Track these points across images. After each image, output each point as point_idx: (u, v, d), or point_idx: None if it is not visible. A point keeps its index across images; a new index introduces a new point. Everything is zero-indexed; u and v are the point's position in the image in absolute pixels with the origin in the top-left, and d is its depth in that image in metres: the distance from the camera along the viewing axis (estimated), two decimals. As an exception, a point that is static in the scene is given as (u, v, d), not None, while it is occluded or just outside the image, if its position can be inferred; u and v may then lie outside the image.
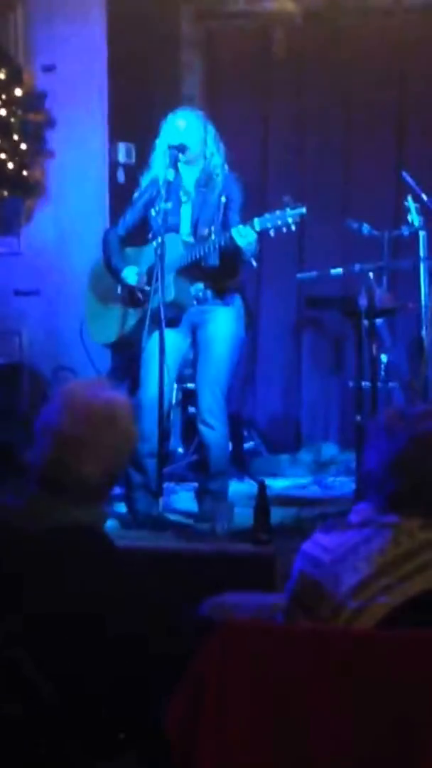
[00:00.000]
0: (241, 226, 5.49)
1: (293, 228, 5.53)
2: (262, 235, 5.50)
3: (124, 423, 2.74)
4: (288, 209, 5.49)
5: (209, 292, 5.78)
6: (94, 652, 2.50)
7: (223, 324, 5.80)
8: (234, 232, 5.48)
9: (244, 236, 5.45)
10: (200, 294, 5.78)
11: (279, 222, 5.47)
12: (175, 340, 5.76)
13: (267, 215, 5.51)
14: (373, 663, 2.41)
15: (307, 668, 2.44)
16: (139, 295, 5.79)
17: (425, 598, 2.61)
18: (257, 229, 5.47)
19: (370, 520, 2.75)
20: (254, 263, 5.77)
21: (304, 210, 5.50)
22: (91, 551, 2.62)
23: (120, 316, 5.95)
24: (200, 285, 5.76)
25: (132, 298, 5.86)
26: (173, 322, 5.73)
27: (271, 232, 5.50)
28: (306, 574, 2.76)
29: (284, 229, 5.50)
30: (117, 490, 6.02)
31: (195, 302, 5.78)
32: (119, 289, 5.93)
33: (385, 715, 2.40)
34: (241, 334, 5.94)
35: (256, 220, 5.49)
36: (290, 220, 5.48)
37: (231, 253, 5.60)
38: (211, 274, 5.74)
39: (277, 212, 5.49)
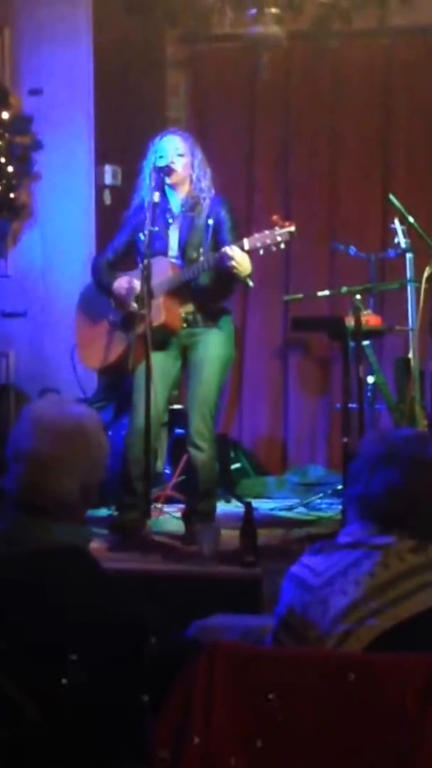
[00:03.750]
0: (233, 246, 5.49)
1: (282, 247, 5.54)
2: (252, 254, 5.51)
3: (95, 436, 2.74)
4: (277, 228, 5.50)
5: (199, 315, 5.77)
6: (81, 673, 2.49)
7: (213, 346, 5.79)
8: (225, 251, 5.48)
9: (235, 255, 5.45)
10: (190, 317, 5.77)
11: (268, 241, 5.48)
12: (165, 363, 5.76)
13: (256, 234, 5.52)
14: (360, 686, 2.40)
15: (293, 691, 2.43)
16: (133, 307, 5.75)
17: (415, 623, 2.60)
18: (246, 248, 5.48)
19: (360, 541, 2.75)
20: (251, 283, 5.75)
21: (293, 229, 5.51)
22: (76, 572, 2.61)
23: (109, 341, 5.94)
24: (190, 307, 5.75)
25: (125, 322, 5.85)
26: (163, 346, 5.73)
27: (261, 251, 5.51)
28: (294, 598, 2.74)
29: (273, 248, 5.51)
30: (105, 512, 6.02)
31: (185, 325, 5.77)
32: (113, 313, 5.92)
33: (373, 739, 2.39)
34: (231, 357, 5.94)
35: (245, 239, 5.50)
36: (279, 239, 5.49)
37: (221, 274, 5.60)
38: (201, 296, 5.73)
39: (266, 231, 5.50)
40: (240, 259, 5.47)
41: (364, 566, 2.68)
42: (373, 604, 2.61)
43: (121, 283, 5.83)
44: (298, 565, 2.81)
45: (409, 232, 6.91)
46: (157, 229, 5.68)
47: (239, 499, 6.88)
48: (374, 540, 2.73)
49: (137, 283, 5.68)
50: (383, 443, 2.84)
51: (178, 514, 6.18)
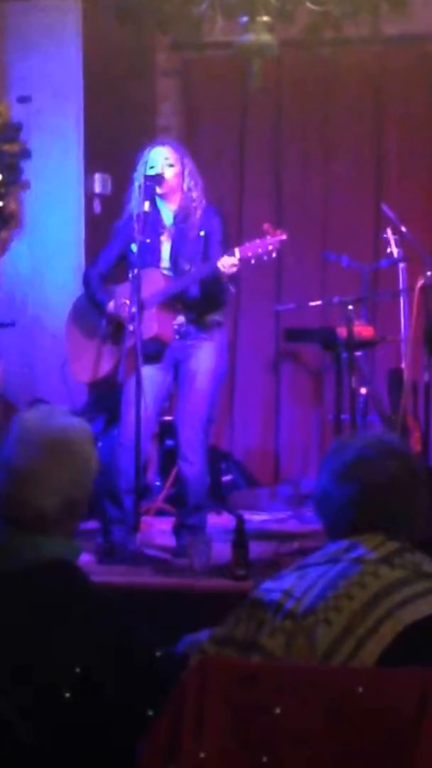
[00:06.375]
0: (225, 257, 5.45)
1: (273, 255, 5.51)
2: (243, 263, 5.47)
3: (79, 450, 2.67)
4: (268, 236, 5.47)
5: (192, 326, 5.74)
6: (71, 690, 2.44)
7: (205, 358, 5.75)
8: (218, 263, 5.44)
9: (227, 265, 5.42)
10: (183, 328, 5.73)
11: (260, 250, 5.45)
12: (156, 375, 5.72)
13: (247, 243, 5.49)
14: (352, 701, 2.35)
15: (285, 705, 2.38)
16: (124, 322, 5.70)
17: (398, 641, 2.55)
18: (238, 257, 5.44)
19: (333, 558, 2.71)
20: (232, 289, 5.72)
21: (284, 237, 5.48)
22: (65, 587, 2.57)
23: (100, 354, 5.89)
24: (183, 319, 5.72)
25: (117, 334, 5.79)
26: (155, 358, 5.69)
27: (252, 261, 5.48)
28: (275, 623, 2.68)
29: (265, 258, 5.48)
30: (94, 524, 5.97)
31: (177, 337, 5.73)
32: (104, 326, 5.87)
33: (367, 754, 2.34)
34: (223, 369, 5.92)
35: (236, 248, 5.46)
36: (271, 247, 5.46)
37: (213, 285, 5.56)
38: (193, 307, 5.70)
39: (258, 240, 5.47)
40: (228, 264, 5.43)
41: (342, 587, 2.63)
42: (360, 632, 2.57)
43: (117, 302, 5.77)
44: (267, 590, 2.74)
45: (401, 241, 6.90)
46: (149, 240, 5.65)
47: (230, 511, 6.83)
48: (348, 555, 2.69)
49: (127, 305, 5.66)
50: (346, 450, 2.80)
51: (169, 527, 6.14)
